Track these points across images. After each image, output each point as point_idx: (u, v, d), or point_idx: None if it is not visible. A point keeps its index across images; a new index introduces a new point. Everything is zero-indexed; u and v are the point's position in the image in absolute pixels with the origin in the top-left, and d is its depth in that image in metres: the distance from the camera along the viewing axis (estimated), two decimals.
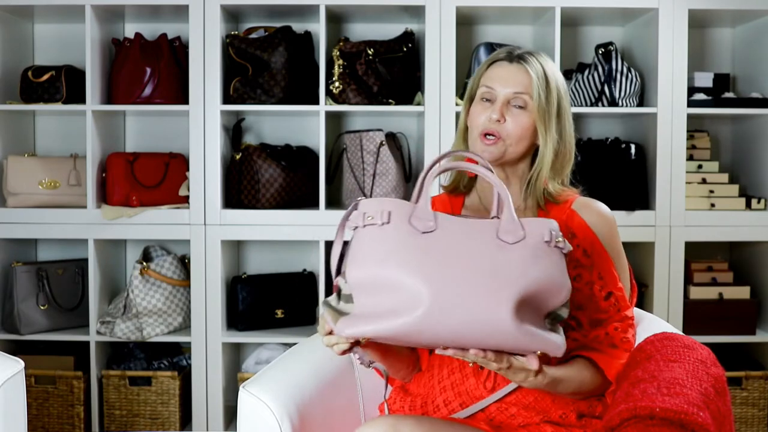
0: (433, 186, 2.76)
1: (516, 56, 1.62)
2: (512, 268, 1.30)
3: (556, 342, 1.33)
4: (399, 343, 1.39)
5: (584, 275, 1.59)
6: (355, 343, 1.38)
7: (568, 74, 2.99)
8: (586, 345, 1.57)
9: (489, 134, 1.60)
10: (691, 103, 2.83)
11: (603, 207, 1.66)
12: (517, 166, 1.65)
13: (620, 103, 2.82)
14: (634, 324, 1.63)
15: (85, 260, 2.94)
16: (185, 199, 2.91)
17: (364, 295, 1.30)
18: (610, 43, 2.86)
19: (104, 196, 2.90)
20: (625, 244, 1.73)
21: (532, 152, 1.65)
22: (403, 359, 1.64)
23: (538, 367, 1.35)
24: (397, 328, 1.26)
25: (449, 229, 1.33)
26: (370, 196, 2.79)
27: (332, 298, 1.36)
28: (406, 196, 2.90)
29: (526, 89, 1.59)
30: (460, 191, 1.73)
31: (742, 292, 2.91)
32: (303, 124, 3.11)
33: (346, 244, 1.39)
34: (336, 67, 2.83)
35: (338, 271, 1.40)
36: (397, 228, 1.32)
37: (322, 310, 1.36)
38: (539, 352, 1.33)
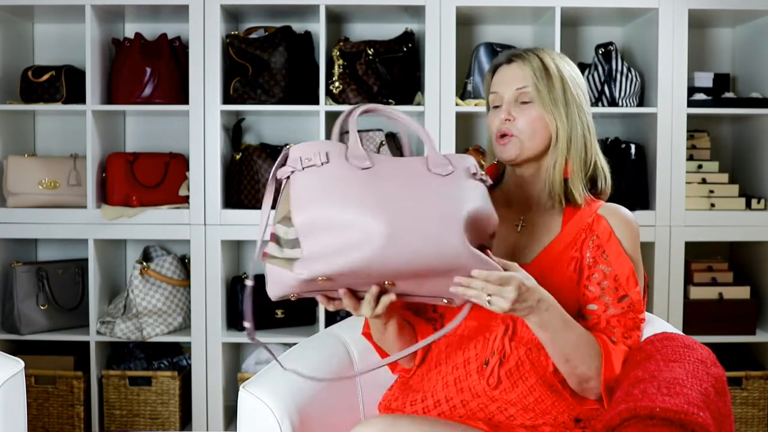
0: None
1: (512, 56, 1.66)
2: (454, 196, 1.35)
3: (493, 264, 1.37)
4: (357, 281, 1.36)
5: (599, 275, 1.60)
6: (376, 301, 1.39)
7: None
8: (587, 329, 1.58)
9: (503, 134, 1.63)
10: (691, 103, 2.83)
11: (629, 213, 1.66)
12: (540, 165, 1.66)
13: (620, 103, 2.83)
14: (642, 329, 1.63)
15: (85, 260, 2.94)
16: (185, 199, 2.91)
17: (312, 236, 1.30)
18: (610, 43, 2.86)
19: (104, 196, 2.90)
20: None
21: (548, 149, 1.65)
22: (407, 334, 1.65)
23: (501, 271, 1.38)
24: (353, 262, 1.28)
25: (385, 164, 1.38)
26: None
27: (273, 249, 1.33)
28: None
29: (525, 83, 1.62)
30: None
31: (742, 292, 2.91)
32: (303, 124, 3.11)
33: (277, 194, 1.39)
34: (336, 67, 2.83)
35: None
36: (336, 166, 1.34)
37: (268, 266, 1.33)
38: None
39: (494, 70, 1.69)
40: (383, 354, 1.70)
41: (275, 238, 1.34)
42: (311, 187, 1.32)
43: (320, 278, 1.30)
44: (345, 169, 1.33)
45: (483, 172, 1.44)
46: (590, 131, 1.67)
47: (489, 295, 1.38)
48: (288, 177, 1.35)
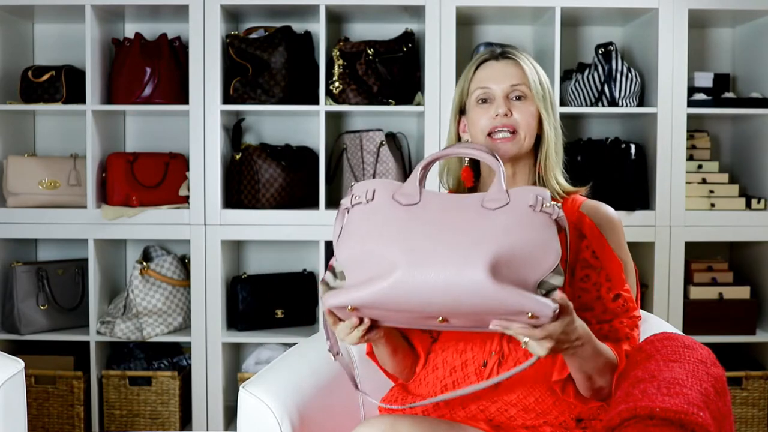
0: (438, 188, 2.77)
1: (499, 53, 1.65)
2: (487, 230, 1.30)
3: (546, 303, 1.29)
4: (386, 316, 1.39)
5: (592, 276, 1.60)
6: (369, 331, 1.41)
7: (568, 74, 2.99)
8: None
9: (501, 130, 1.60)
10: (691, 103, 2.83)
11: (611, 210, 1.67)
12: (525, 163, 1.66)
13: (620, 103, 2.82)
14: (639, 326, 1.63)
15: (85, 260, 2.94)
16: (185, 199, 2.91)
17: (352, 271, 1.34)
18: (610, 43, 2.86)
19: (104, 196, 2.90)
20: (626, 244, 1.73)
21: (533, 145, 1.65)
22: (408, 353, 1.65)
23: (553, 315, 1.29)
24: (373, 294, 1.30)
25: (433, 201, 1.37)
26: None
27: (329, 277, 1.39)
28: None
29: (522, 80, 1.61)
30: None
31: (742, 292, 2.91)
32: (303, 124, 3.11)
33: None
34: (336, 67, 2.83)
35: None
36: (380, 204, 1.37)
37: (320, 290, 1.40)
38: (531, 314, 1.30)
39: (477, 66, 1.66)
40: (388, 374, 1.70)
41: (332, 269, 1.39)
42: (353, 225, 1.37)
43: (349, 308, 1.34)
44: (387, 207, 1.37)
45: (550, 204, 1.35)
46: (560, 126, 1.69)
47: (527, 337, 1.34)
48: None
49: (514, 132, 1.60)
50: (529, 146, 1.63)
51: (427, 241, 1.30)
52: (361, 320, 1.39)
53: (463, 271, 1.26)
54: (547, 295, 1.32)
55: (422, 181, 1.43)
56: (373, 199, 1.38)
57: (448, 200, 1.39)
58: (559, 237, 1.35)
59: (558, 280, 1.33)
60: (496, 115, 1.60)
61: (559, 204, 1.38)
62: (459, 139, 1.69)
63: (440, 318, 1.34)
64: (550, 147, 1.63)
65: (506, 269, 1.28)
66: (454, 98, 1.69)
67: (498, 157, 1.42)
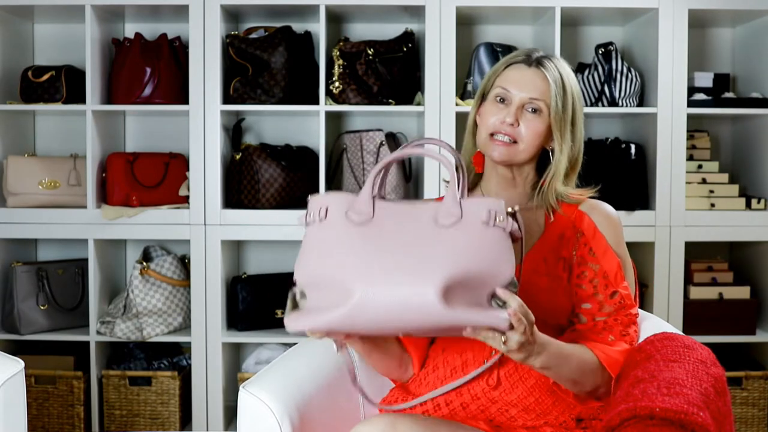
0: (438, 187, 2.77)
1: (534, 60, 1.62)
2: (440, 254, 1.30)
3: (499, 317, 1.31)
4: (347, 332, 1.41)
5: (589, 273, 1.60)
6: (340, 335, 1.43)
7: None
8: (583, 335, 1.58)
9: (502, 135, 1.60)
10: (691, 103, 2.83)
11: (610, 209, 1.68)
12: (523, 168, 1.66)
13: (620, 103, 2.82)
14: (638, 323, 1.63)
15: (85, 260, 2.94)
16: (185, 199, 2.91)
17: (311, 291, 1.35)
18: (610, 43, 2.86)
19: (104, 196, 2.90)
20: (626, 245, 1.73)
21: (539, 155, 1.65)
22: (391, 355, 1.64)
23: (506, 327, 1.32)
24: (330, 321, 1.30)
25: (386, 217, 1.36)
26: None
27: (296, 290, 1.38)
28: (406, 196, 2.91)
29: (543, 95, 1.60)
30: None
31: (742, 292, 2.91)
32: (303, 124, 3.11)
33: None
34: (336, 67, 2.83)
35: None
36: (332, 224, 1.35)
37: (288, 306, 1.39)
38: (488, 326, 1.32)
39: (508, 65, 1.65)
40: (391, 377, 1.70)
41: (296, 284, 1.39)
42: (307, 246, 1.36)
43: (309, 332, 1.34)
44: (339, 226, 1.35)
45: (503, 218, 1.35)
46: (582, 143, 1.67)
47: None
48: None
49: (514, 142, 1.60)
50: (526, 159, 1.62)
51: (380, 265, 1.29)
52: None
53: (416, 296, 1.27)
54: (502, 306, 1.33)
55: (383, 183, 1.41)
56: (326, 217, 1.36)
57: (402, 214, 1.36)
58: (514, 246, 1.36)
59: (512, 289, 1.34)
60: (504, 121, 1.60)
61: (516, 208, 1.37)
62: (475, 123, 1.69)
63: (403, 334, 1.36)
64: (559, 167, 1.62)
65: (459, 290, 1.29)
66: (481, 83, 1.69)
67: (457, 164, 1.39)
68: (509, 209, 1.36)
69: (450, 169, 1.37)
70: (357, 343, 1.57)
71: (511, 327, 1.33)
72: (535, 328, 1.40)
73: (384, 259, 1.30)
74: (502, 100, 1.62)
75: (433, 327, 1.31)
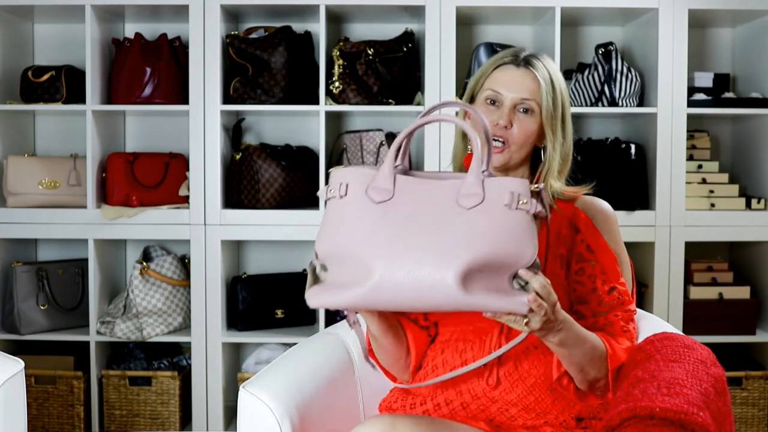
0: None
1: (522, 60, 1.62)
2: (461, 239, 1.29)
3: (519, 300, 1.31)
4: (366, 309, 1.43)
5: (587, 269, 1.60)
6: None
7: (568, 74, 2.98)
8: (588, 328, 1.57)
9: (495, 139, 1.60)
10: (691, 103, 2.83)
11: (605, 204, 1.68)
12: (518, 171, 1.66)
13: (620, 103, 2.82)
14: (635, 320, 1.64)
15: (85, 260, 2.94)
16: (185, 199, 2.91)
17: (332, 265, 1.34)
18: (610, 43, 2.86)
19: (104, 196, 2.90)
20: (626, 244, 1.73)
21: (531, 155, 1.65)
22: (402, 342, 1.64)
23: (525, 312, 1.32)
24: (350, 299, 1.30)
25: (407, 196, 1.35)
26: None
27: (317, 262, 1.37)
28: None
29: (534, 95, 1.60)
30: None
31: (742, 292, 2.91)
32: (303, 124, 3.11)
33: None
34: (336, 67, 2.83)
35: None
36: (353, 201, 1.35)
37: (308, 279, 1.38)
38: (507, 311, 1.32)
39: (496, 66, 1.65)
40: (389, 375, 1.69)
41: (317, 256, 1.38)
42: (329, 218, 1.36)
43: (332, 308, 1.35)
44: (360, 204, 1.34)
45: (527, 200, 1.32)
46: (572, 140, 1.67)
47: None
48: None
49: (505, 143, 1.60)
50: (518, 159, 1.63)
51: (401, 245, 1.29)
52: None
53: (436, 280, 1.27)
54: (524, 287, 1.32)
55: (406, 151, 1.40)
56: (346, 194, 1.35)
57: (423, 192, 1.35)
58: (538, 228, 1.35)
59: (535, 271, 1.33)
60: (497, 124, 1.60)
61: (540, 186, 1.36)
62: None
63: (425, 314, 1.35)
64: (553, 164, 1.62)
65: (479, 274, 1.29)
66: (469, 85, 1.69)
67: (484, 132, 1.38)
68: (533, 187, 1.34)
69: (474, 140, 1.34)
70: (374, 323, 1.57)
71: (531, 311, 1.32)
72: (558, 305, 1.38)
73: (405, 240, 1.30)
74: (493, 102, 1.62)
75: (453, 309, 1.31)
